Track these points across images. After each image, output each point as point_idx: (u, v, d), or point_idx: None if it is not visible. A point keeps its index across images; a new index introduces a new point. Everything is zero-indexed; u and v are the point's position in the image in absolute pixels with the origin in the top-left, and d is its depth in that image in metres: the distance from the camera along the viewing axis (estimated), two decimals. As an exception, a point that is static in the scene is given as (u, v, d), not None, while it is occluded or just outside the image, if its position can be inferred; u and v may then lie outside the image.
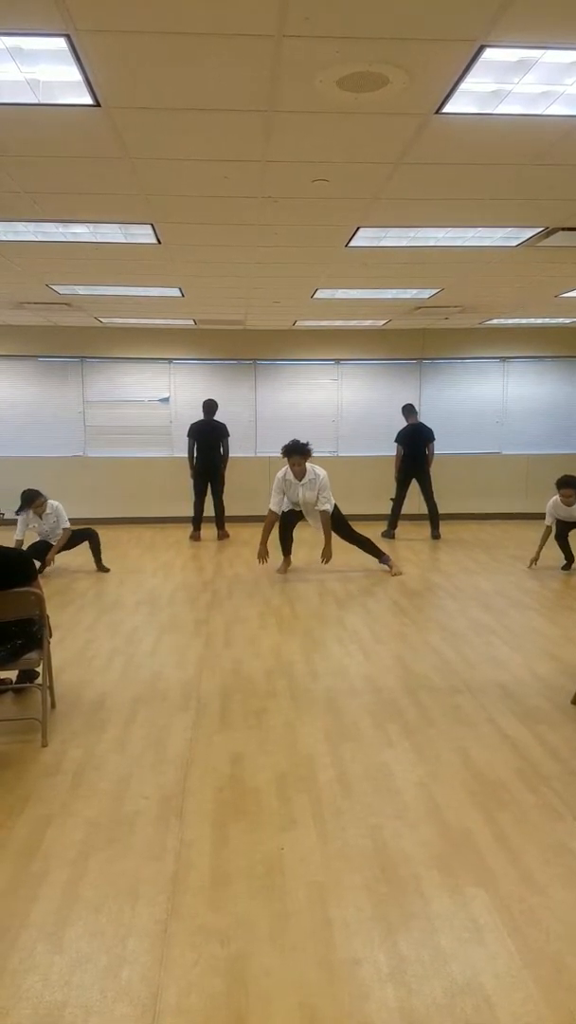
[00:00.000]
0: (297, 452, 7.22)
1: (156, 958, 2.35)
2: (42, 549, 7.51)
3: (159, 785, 3.41)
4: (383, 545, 8.21)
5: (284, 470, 7.38)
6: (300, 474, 7.29)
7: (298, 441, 7.29)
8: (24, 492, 7.51)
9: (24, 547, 7.24)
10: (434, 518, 9.69)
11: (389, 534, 9.66)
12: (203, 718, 4.14)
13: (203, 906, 2.59)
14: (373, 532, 9.67)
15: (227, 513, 9.77)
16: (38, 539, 7.59)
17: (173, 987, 2.23)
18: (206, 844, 2.95)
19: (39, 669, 4.11)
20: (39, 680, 4.12)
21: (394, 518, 9.73)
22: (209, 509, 9.65)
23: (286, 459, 7.30)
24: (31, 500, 7.43)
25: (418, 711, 4.22)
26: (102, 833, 3.03)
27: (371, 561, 7.82)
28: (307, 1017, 2.12)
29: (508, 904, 2.59)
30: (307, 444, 7.30)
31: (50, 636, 4.06)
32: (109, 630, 5.77)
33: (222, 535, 9.65)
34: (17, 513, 7.52)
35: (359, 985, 2.24)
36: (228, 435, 9.64)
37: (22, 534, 7.48)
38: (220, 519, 9.66)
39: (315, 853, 2.89)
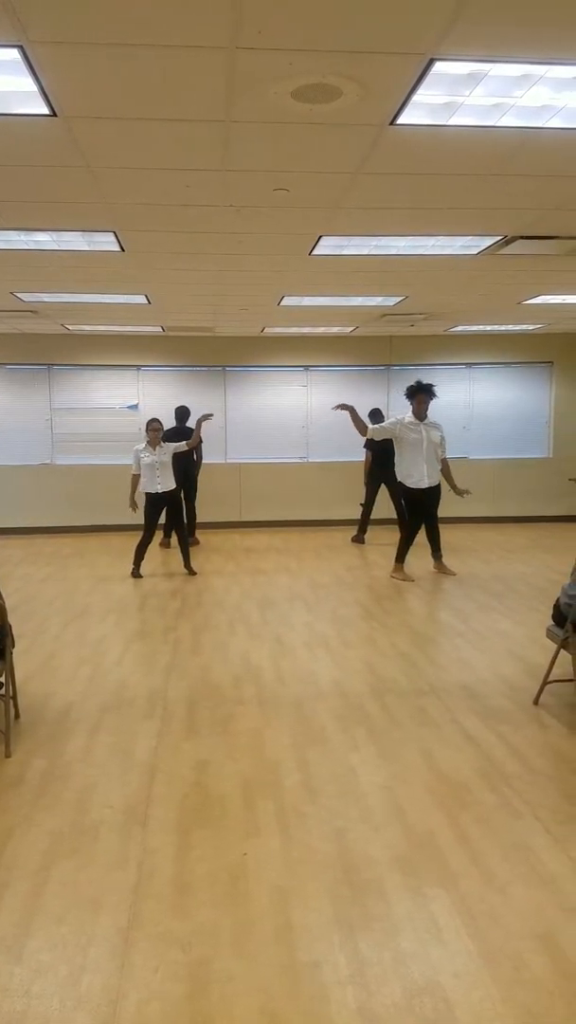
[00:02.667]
0: (423, 391, 7.27)
1: (117, 966, 2.35)
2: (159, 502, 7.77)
3: (124, 794, 3.40)
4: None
5: (401, 416, 7.41)
6: (423, 413, 7.31)
7: (422, 381, 7.39)
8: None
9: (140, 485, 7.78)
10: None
11: (359, 539, 9.71)
12: (169, 726, 4.14)
13: (165, 913, 2.59)
14: (343, 537, 9.76)
15: (198, 519, 9.76)
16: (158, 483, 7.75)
17: (133, 994, 2.23)
18: (170, 851, 2.95)
19: (1, 680, 4.07)
20: (1, 691, 4.09)
21: (364, 523, 9.77)
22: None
23: (410, 400, 7.32)
24: (148, 425, 7.86)
25: (384, 714, 4.25)
26: (65, 843, 3.02)
27: (342, 569, 7.84)
28: (268, 1021, 2.13)
29: (469, 904, 2.63)
30: (433, 385, 7.38)
31: (13, 646, 4.03)
32: (76, 639, 5.74)
33: (192, 541, 9.63)
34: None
35: (320, 988, 2.25)
36: (201, 441, 9.62)
37: (138, 467, 7.76)
38: (191, 525, 9.65)
39: (278, 858, 2.90)
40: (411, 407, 7.43)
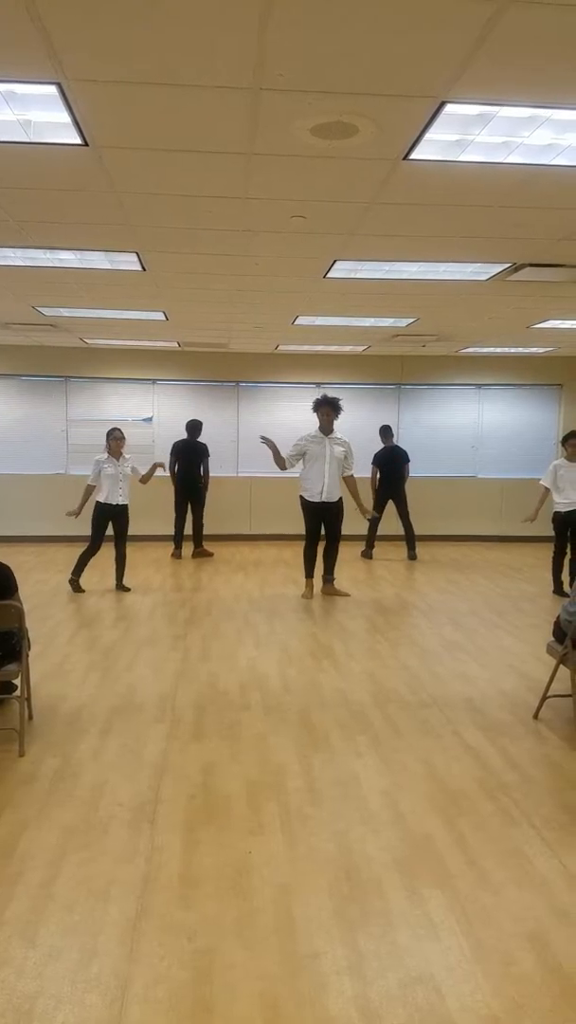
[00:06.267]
0: (328, 404, 7.34)
1: (125, 952, 2.47)
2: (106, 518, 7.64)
3: (133, 792, 3.53)
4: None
5: (309, 432, 7.48)
6: (328, 427, 7.36)
7: (327, 395, 7.47)
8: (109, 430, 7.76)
9: (97, 494, 7.59)
10: (410, 539, 9.89)
11: (367, 554, 9.84)
12: (178, 729, 4.26)
13: (172, 905, 2.71)
14: (352, 552, 9.88)
15: (208, 532, 9.92)
16: (111, 493, 7.62)
17: (141, 979, 2.35)
18: (177, 848, 3.08)
19: (17, 681, 4.21)
20: (17, 692, 4.23)
21: (371, 538, 9.91)
22: (189, 527, 9.79)
23: (316, 412, 7.37)
24: (109, 434, 7.67)
25: (387, 724, 4.36)
26: (76, 837, 3.14)
27: (349, 583, 7.96)
28: (268, 1006, 2.25)
29: (463, 904, 2.74)
30: (339, 400, 7.42)
31: (28, 649, 4.17)
32: (87, 644, 5.88)
33: (199, 551, 9.78)
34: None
35: (318, 977, 2.37)
36: (208, 455, 9.82)
37: (96, 479, 7.62)
38: (199, 536, 9.80)
39: (282, 856, 3.02)
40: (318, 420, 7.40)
